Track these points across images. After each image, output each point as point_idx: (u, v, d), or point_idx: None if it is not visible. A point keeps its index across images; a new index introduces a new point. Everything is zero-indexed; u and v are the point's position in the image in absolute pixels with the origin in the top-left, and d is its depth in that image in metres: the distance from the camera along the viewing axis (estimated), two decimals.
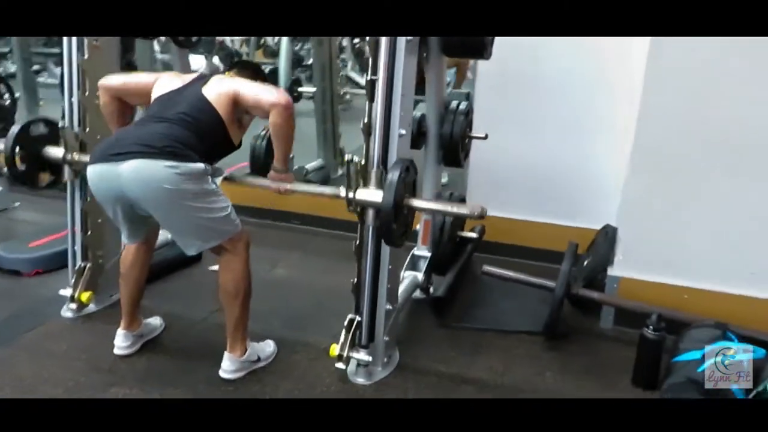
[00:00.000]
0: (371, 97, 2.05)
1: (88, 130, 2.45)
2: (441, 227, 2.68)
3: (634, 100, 2.75)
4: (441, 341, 2.44)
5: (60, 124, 2.43)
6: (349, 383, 2.16)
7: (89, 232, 2.53)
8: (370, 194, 2.03)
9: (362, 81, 7.89)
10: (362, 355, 2.15)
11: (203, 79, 2.15)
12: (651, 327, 2.12)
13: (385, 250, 2.13)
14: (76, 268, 2.54)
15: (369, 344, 2.17)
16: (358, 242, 2.13)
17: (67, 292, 2.54)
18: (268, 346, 2.29)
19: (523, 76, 3.01)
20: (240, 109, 2.09)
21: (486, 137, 2.66)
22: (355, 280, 2.17)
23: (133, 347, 2.29)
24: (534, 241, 3.15)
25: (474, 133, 2.72)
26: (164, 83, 2.16)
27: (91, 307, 2.58)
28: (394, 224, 1.96)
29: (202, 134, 2.03)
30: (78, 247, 2.55)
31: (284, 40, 4.67)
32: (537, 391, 2.15)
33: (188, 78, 2.18)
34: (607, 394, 2.14)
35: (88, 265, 2.54)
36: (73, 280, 2.53)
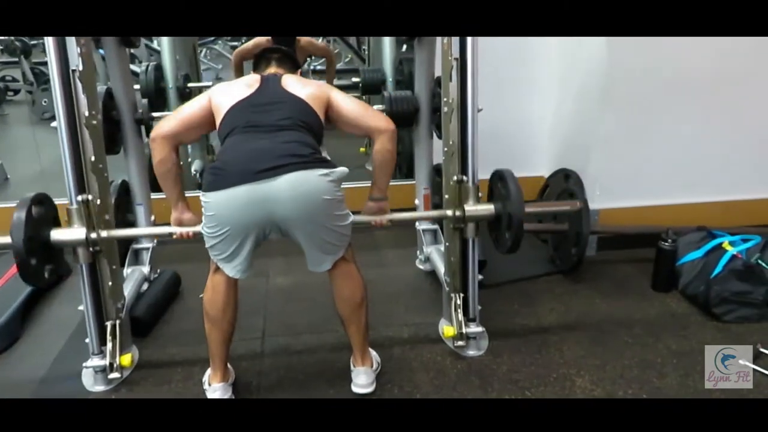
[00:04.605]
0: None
1: (93, 160, 1.95)
2: None
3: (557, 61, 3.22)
4: (493, 300, 2.59)
5: (80, 198, 1.91)
6: (468, 358, 2.21)
7: (110, 283, 2.04)
8: (481, 209, 2.14)
9: None
10: (476, 328, 2.23)
11: (273, 79, 1.92)
12: (668, 240, 2.62)
13: (475, 255, 2.24)
14: (109, 329, 2.04)
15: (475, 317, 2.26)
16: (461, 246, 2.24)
17: (97, 362, 2.03)
18: (372, 351, 2.19)
19: None
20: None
21: (481, 110, 2.82)
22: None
23: None
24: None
25: None
26: (226, 95, 1.89)
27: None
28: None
29: (317, 138, 1.86)
30: (89, 304, 2.04)
31: None
32: (603, 316, 2.49)
33: (249, 82, 1.92)
34: (644, 303, 2.58)
35: (118, 322, 2.06)
36: (109, 346, 2.03)
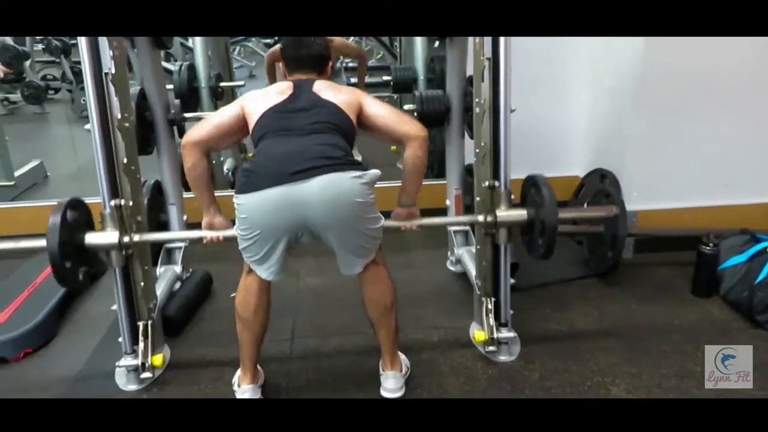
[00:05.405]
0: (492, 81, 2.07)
1: (126, 162, 1.97)
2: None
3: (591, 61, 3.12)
4: (525, 303, 2.51)
5: (113, 202, 1.94)
6: (499, 364, 2.17)
7: (143, 284, 2.06)
8: (513, 214, 2.11)
9: None
10: (507, 333, 2.19)
11: (306, 86, 1.90)
12: (710, 244, 2.53)
13: (507, 260, 2.20)
14: (141, 330, 2.06)
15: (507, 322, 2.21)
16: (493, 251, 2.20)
17: (130, 361, 2.06)
18: (402, 354, 2.17)
19: None
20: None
21: (514, 110, 2.76)
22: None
23: None
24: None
25: None
26: (259, 100, 1.88)
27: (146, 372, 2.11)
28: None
29: (350, 141, 1.84)
30: (122, 305, 2.06)
31: None
32: (640, 322, 2.42)
33: (281, 89, 1.91)
34: (682, 309, 2.50)
35: (150, 323, 2.08)
36: (141, 346, 2.05)
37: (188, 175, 1.89)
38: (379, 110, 1.91)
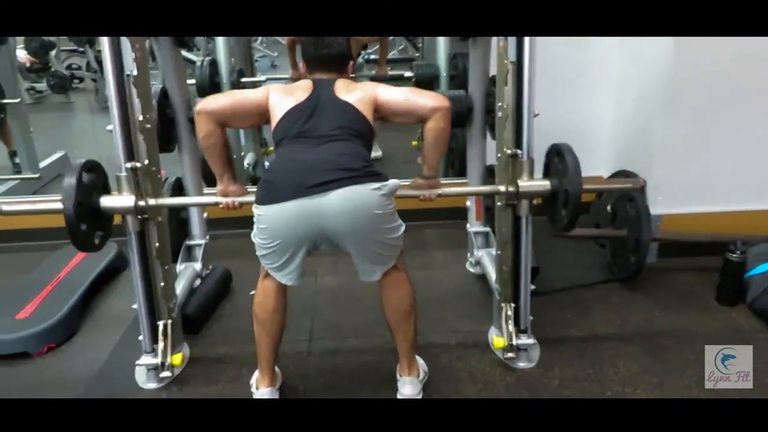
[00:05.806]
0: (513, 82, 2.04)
1: (146, 163, 1.99)
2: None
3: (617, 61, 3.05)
4: (547, 308, 2.49)
5: (129, 165, 1.92)
6: (518, 370, 2.15)
7: (163, 284, 2.08)
8: (535, 184, 2.03)
9: None
10: (527, 340, 2.16)
11: (325, 85, 1.87)
12: (737, 251, 2.47)
13: (528, 236, 2.14)
14: (161, 329, 2.08)
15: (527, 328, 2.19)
16: (513, 233, 2.13)
17: (149, 360, 2.08)
18: (420, 359, 2.16)
19: None
20: (375, 115, 1.89)
21: (537, 115, 2.71)
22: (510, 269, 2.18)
23: None
24: None
25: None
26: (284, 97, 1.85)
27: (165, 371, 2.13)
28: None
29: (368, 146, 1.83)
30: (142, 304, 2.08)
31: None
32: (662, 330, 2.38)
33: (304, 87, 1.88)
34: (706, 317, 2.45)
35: (170, 322, 2.10)
36: (161, 345, 2.07)
37: (202, 143, 1.87)
38: (395, 93, 1.87)
